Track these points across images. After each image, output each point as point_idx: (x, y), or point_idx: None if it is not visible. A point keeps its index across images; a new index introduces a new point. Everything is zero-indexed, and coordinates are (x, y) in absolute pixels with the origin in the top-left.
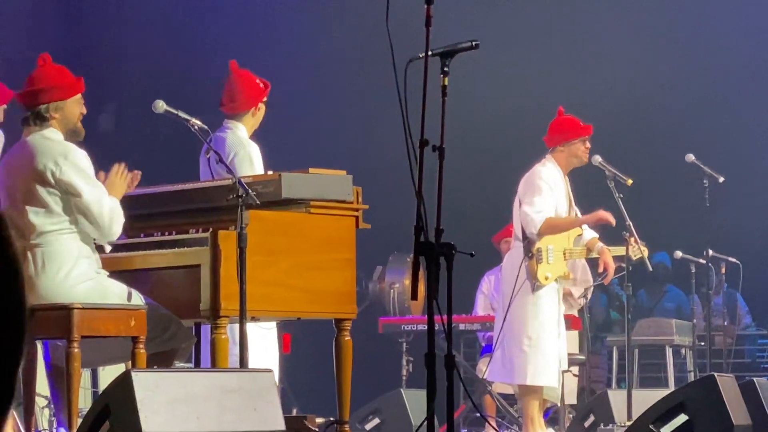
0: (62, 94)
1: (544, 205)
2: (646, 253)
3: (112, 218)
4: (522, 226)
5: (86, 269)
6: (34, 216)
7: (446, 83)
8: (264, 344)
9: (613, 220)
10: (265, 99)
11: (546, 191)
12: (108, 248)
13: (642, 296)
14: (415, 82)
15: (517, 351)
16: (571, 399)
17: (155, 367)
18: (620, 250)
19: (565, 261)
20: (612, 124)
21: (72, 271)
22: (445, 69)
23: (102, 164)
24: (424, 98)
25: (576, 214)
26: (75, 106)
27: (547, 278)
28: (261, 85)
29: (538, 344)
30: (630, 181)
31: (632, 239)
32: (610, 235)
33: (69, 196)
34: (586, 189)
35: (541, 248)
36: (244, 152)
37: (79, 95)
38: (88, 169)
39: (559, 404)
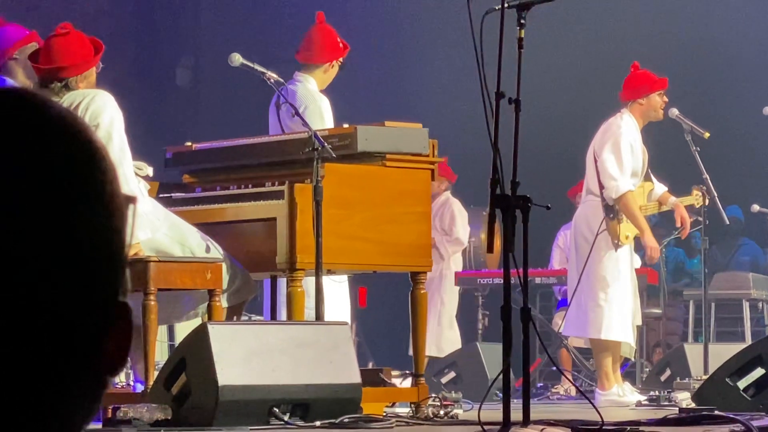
0: (88, 66)
1: (628, 169)
2: (700, 199)
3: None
4: (600, 181)
5: (152, 217)
6: None
7: (522, 35)
8: (334, 296)
9: (686, 228)
10: (341, 60)
11: (627, 153)
12: (150, 173)
13: (714, 251)
14: (492, 34)
15: (593, 305)
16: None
17: (235, 318)
18: (689, 200)
19: None
20: (688, 77)
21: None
22: (522, 21)
23: (179, 118)
24: (500, 50)
25: (649, 171)
26: (95, 72)
27: (627, 237)
28: (341, 44)
29: (614, 299)
30: (707, 134)
31: (694, 190)
32: (684, 187)
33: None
34: (663, 141)
35: None
36: (315, 106)
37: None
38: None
39: (632, 359)
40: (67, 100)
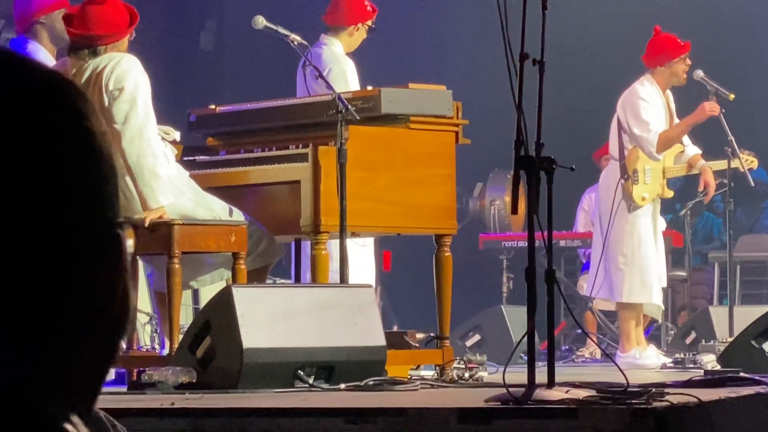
0: (121, 36)
1: (651, 119)
2: (755, 163)
3: (143, 148)
4: (627, 147)
5: (177, 182)
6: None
7: None
8: (359, 260)
9: (717, 109)
10: (369, 23)
11: (647, 108)
12: (177, 137)
13: (739, 214)
14: None
15: (614, 269)
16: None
17: (255, 282)
18: (722, 164)
19: (664, 180)
20: (714, 37)
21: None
22: None
23: (203, 82)
24: (524, 11)
25: None
26: (127, 41)
27: (644, 199)
28: (368, 7)
29: (634, 262)
30: (732, 96)
31: (741, 154)
32: (713, 148)
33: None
34: (687, 103)
35: (638, 169)
36: (339, 68)
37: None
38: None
39: (660, 321)
40: (92, 64)
